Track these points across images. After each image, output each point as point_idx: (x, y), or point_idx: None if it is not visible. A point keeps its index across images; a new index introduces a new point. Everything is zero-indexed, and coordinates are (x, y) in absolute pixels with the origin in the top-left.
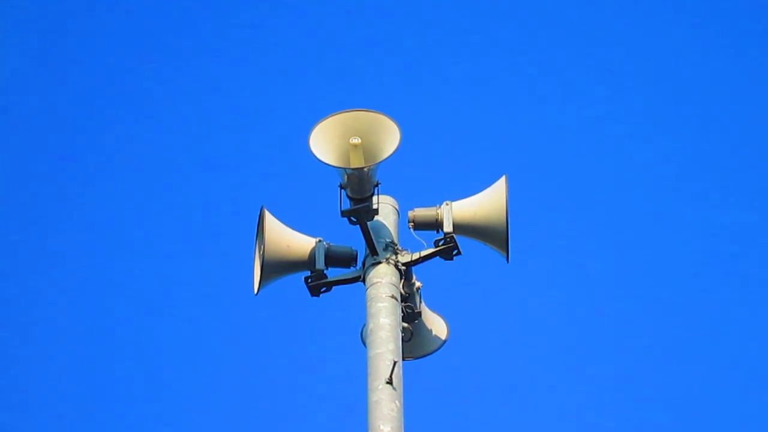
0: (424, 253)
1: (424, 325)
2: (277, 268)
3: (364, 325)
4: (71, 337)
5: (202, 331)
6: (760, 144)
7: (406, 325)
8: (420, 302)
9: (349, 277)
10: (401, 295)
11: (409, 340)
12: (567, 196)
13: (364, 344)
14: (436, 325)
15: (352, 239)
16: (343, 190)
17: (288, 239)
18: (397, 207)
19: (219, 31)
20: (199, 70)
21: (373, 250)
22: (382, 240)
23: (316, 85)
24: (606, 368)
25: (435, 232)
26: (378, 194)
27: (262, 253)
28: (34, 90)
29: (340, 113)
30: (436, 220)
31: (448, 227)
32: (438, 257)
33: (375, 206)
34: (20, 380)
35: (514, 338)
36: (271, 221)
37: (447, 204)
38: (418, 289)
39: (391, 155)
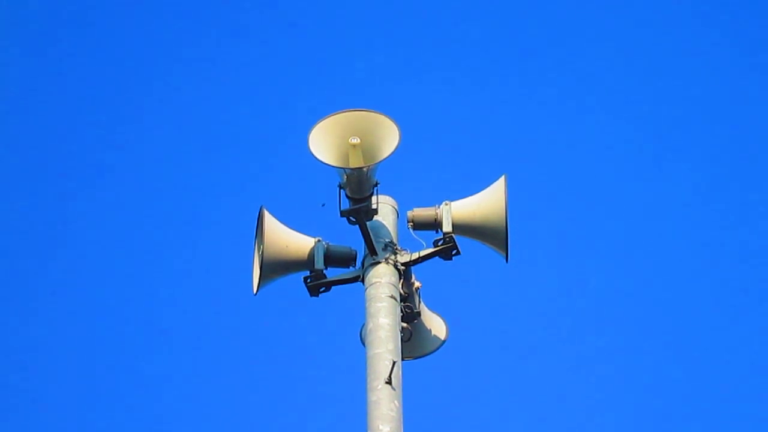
0: (423, 253)
1: (423, 325)
2: (276, 268)
3: (363, 324)
4: (71, 336)
5: (201, 330)
6: (762, 144)
7: (405, 325)
8: (419, 302)
9: (349, 277)
10: (400, 295)
11: (408, 340)
12: (566, 196)
13: (363, 344)
14: (435, 325)
15: (351, 239)
16: (342, 190)
17: (287, 239)
18: (396, 207)
19: (219, 31)
20: (199, 69)
21: (372, 250)
22: (382, 240)
23: (315, 85)
24: (605, 368)
25: (434, 232)
26: (377, 194)
27: (262, 253)
28: (34, 90)
29: (340, 113)
30: (436, 220)
31: (447, 227)
32: (437, 257)
33: (374, 206)
34: (19, 380)
35: (513, 338)
36: (270, 221)
37: (446, 204)
38: (417, 289)
39: (391, 155)
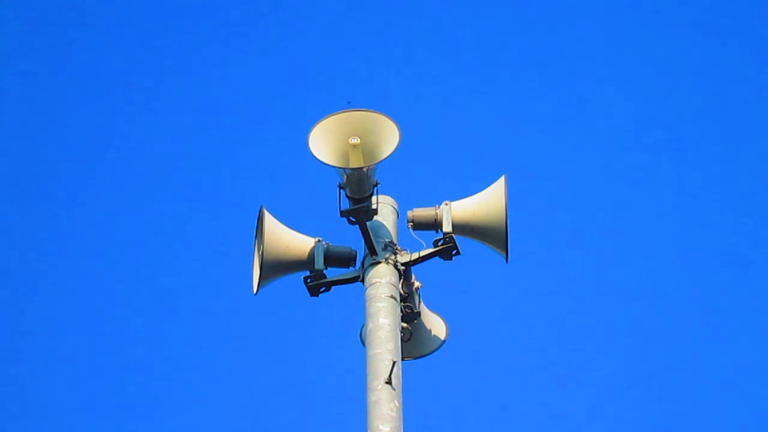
0: (423, 253)
1: (423, 325)
2: (276, 268)
3: (363, 325)
4: (70, 336)
5: (201, 331)
6: (761, 144)
7: (405, 325)
8: (419, 302)
9: (349, 277)
10: (400, 295)
11: (408, 340)
12: (566, 196)
13: (363, 344)
14: (435, 325)
15: (351, 239)
16: (342, 190)
17: (287, 239)
18: (396, 207)
19: (219, 31)
20: (199, 69)
21: (372, 250)
22: (382, 240)
23: (316, 85)
24: (605, 368)
25: (434, 232)
26: (377, 194)
27: (262, 253)
28: (34, 89)
29: (340, 113)
30: (436, 220)
31: (447, 227)
32: (437, 257)
33: (374, 206)
34: (19, 381)
35: (513, 338)
36: (270, 221)
37: (446, 204)
38: (417, 289)
39: (391, 155)
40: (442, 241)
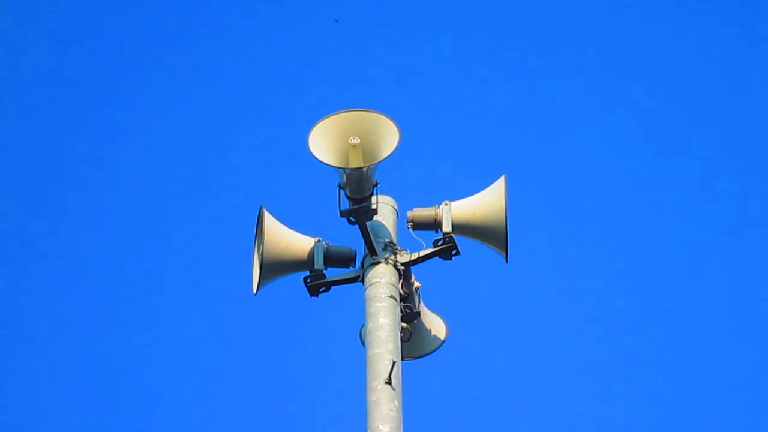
0: (423, 253)
1: (423, 325)
2: (276, 268)
3: (363, 325)
4: (69, 336)
5: (200, 331)
6: (762, 144)
7: (405, 325)
8: (419, 302)
9: (348, 277)
10: (400, 295)
11: (408, 340)
12: (566, 196)
13: (363, 344)
14: (435, 325)
15: (351, 239)
16: (342, 190)
17: (287, 239)
18: (396, 207)
19: (218, 31)
20: (198, 69)
21: (372, 250)
22: (381, 240)
23: (315, 85)
24: (605, 368)
25: (434, 232)
26: (377, 194)
27: (261, 253)
28: (33, 89)
29: (339, 113)
30: (435, 220)
31: (447, 227)
32: (437, 257)
33: (374, 206)
34: (20, 381)
35: (513, 338)
36: (270, 221)
37: (446, 204)
38: (417, 289)
39: (390, 155)
40: (441, 241)
